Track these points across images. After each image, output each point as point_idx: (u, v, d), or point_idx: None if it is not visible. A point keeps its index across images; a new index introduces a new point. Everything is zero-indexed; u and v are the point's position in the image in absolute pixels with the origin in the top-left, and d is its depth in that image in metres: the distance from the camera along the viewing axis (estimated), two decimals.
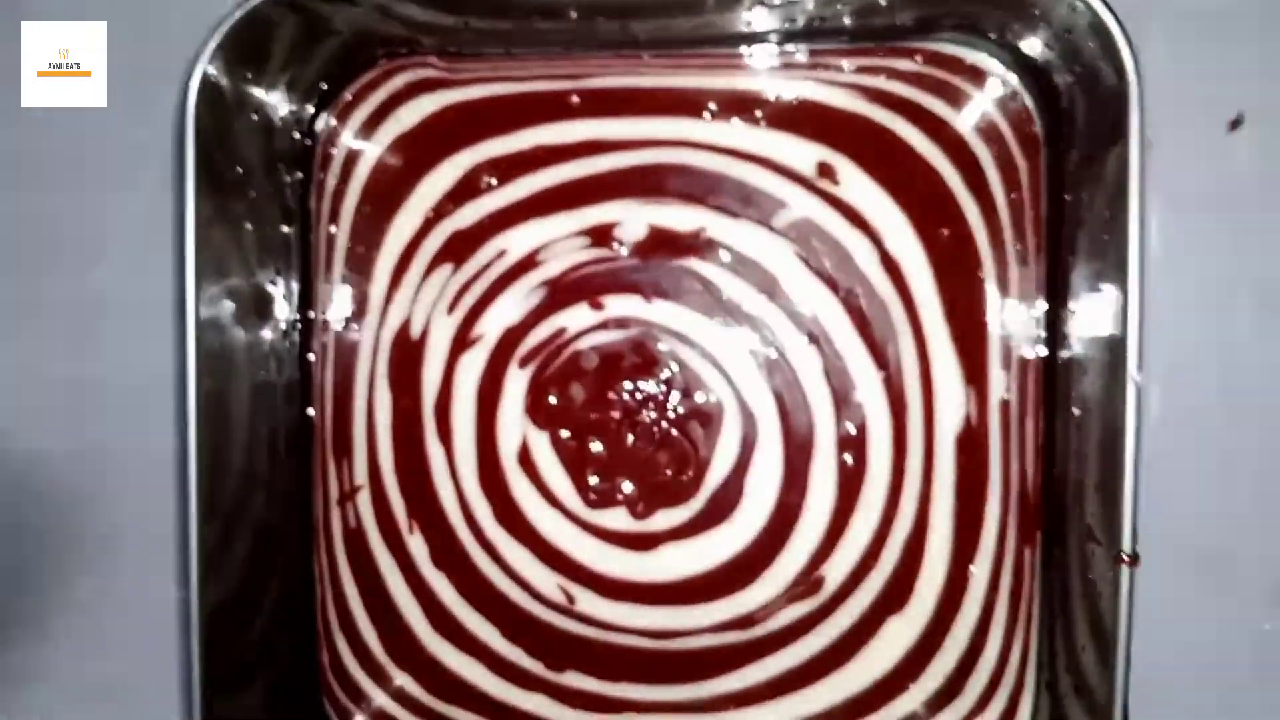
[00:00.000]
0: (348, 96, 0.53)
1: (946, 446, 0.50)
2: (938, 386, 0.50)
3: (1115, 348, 0.43)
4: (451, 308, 0.53)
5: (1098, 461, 0.44)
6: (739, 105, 0.51)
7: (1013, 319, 0.49)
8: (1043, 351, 0.49)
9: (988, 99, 0.49)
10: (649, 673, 0.52)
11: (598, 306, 0.52)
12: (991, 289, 0.49)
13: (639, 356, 0.51)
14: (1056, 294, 0.48)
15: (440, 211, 0.53)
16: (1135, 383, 0.41)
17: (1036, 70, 0.48)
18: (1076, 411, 0.46)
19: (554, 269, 0.52)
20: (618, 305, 0.51)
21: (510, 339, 0.52)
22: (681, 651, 0.52)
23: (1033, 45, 0.47)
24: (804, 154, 0.51)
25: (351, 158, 0.53)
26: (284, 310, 0.53)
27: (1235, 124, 0.49)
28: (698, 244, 0.51)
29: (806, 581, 0.51)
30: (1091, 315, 0.46)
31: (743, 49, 0.50)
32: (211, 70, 0.46)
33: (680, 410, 0.51)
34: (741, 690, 0.51)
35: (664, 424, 0.51)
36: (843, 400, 0.50)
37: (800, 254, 0.50)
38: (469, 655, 0.53)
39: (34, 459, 0.57)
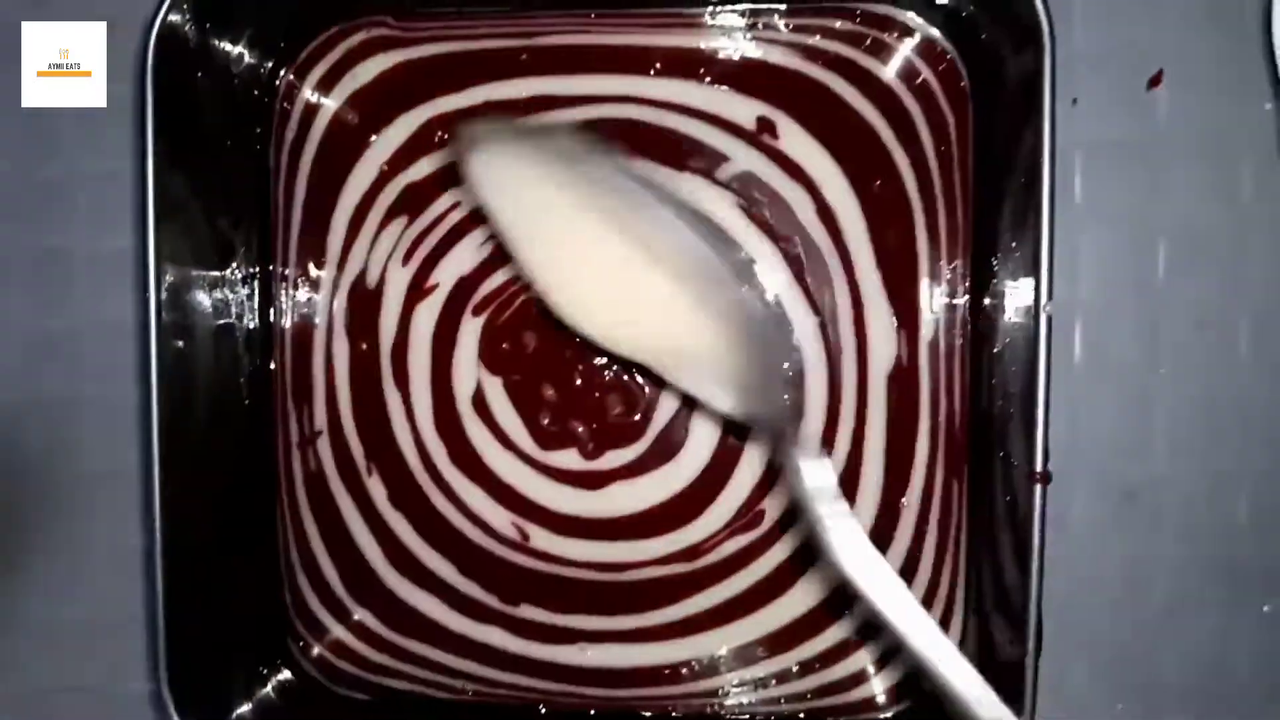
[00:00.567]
0: (306, 54, 0.54)
1: (878, 387, 0.52)
2: (870, 330, 0.52)
3: (1034, 288, 0.45)
4: (407, 258, 0.54)
5: (1019, 394, 0.47)
6: (683, 63, 0.53)
7: (941, 264, 0.52)
8: (969, 295, 0.51)
9: (910, 50, 0.51)
10: (599, 604, 0.54)
11: None
12: (921, 237, 0.52)
13: None
14: (982, 240, 0.51)
15: (395, 165, 0.54)
16: (1046, 314, 0.44)
17: (962, 26, 0.50)
18: (998, 349, 0.49)
19: None
20: None
21: (464, 288, 0.54)
22: (630, 583, 0.54)
23: (955, 1, 0.49)
24: (745, 110, 0.53)
25: (309, 113, 0.55)
26: (244, 260, 0.54)
27: (1155, 81, 0.52)
28: None
29: (747, 515, 0.53)
30: (1013, 260, 0.48)
31: (688, 9, 0.52)
32: (175, 18, 0.47)
33: None
34: (686, 618, 0.54)
35: (613, 368, 0.53)
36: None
37: (742, 205, 0.53)
38: (426, 591, 0.55)
39: (1, 409, 0.58)
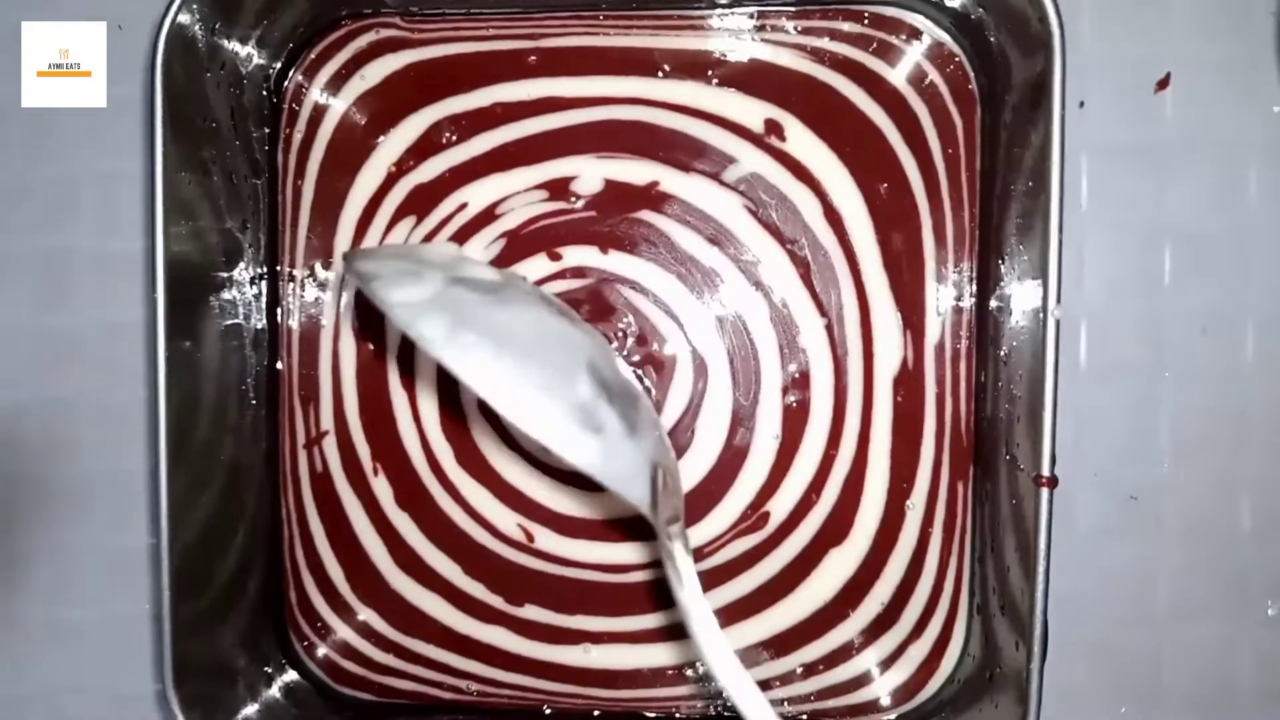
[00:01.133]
0: (314, 54, 0.54)
1: (884, 389, 0.52)
2: (876, 332, 0.52)
3: (1041, 292, 0.45)
4: None
5: (1025, 397, 0.47)
6: (691, 65, 0.53)
7: (947, 267, 0.52)
8: (976, 298, 0.51)
9: (919, 53, 0.51)
10: (604, 605, 0.54)
11: (555, 257, 0.54)
12: (928, 239, 0.52)
13: (595, 304, 0.53)
14: (989, 243, 0.51)
15: (403, 166, 0.54)
16: (1055, 318, 0.44)
17: (971, 29, 0.50)
18: (1004, 352, 0.49)
19: (513, 221, 0.54)
20: (575, 256, 0.53)
21: None
22: (635, 584, 0.54)
23: (964, 4, 0.49)
24: (753, 112, 0.53)
25: (317, 114, 0.55)
26: (252, 260, 0.54)
27: (1163, 84, 0.52)
28: (651, 197, 0.53)
29: (753, 517, 0.53)
30: (1020, 263, 0.48)
31: (696, 11, 0.53)
32: (184, 18, 0.47)
33: (635, 356, 0.53)
34: None
35: None
36: (787, 346, 0.53)
37: (749, 207, 0.53)
38: (431, 591, 0.55)
39: (4, 409, 0.58)
